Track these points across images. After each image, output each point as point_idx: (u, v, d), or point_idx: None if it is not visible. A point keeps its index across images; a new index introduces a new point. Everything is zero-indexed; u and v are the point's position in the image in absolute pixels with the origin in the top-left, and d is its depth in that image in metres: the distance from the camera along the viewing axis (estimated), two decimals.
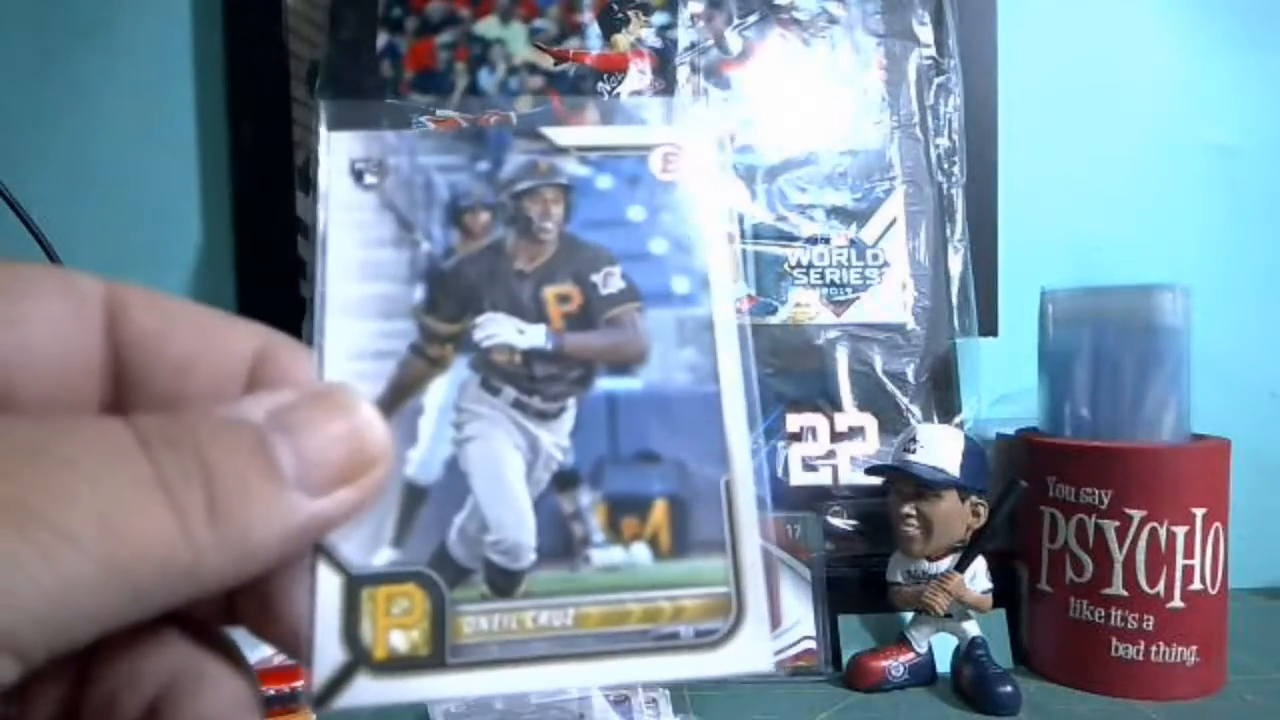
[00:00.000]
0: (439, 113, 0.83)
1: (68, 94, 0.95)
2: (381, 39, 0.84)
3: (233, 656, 0.22)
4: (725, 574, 0.22)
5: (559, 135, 0.26)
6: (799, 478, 0.79)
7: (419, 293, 0.24)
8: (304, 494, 0.20)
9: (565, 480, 0.23)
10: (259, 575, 0.20)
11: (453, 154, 0.25)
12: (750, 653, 0.22)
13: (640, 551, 0.22)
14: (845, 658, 0.72)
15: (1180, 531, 0.67)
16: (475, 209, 0.25)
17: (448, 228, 0.25)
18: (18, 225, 0.74)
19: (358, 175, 0.25)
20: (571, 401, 0.23)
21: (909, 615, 0.72)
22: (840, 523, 0.78)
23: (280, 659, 0.67)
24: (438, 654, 0.21)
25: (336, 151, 0.25)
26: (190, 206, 0.96)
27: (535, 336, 0.24)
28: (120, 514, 0.18)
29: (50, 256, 0.75)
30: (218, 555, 0.19)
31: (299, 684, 0.59)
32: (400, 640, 0.21)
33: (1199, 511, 0.68)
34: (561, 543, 0.22)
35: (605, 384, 0.24)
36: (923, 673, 0.71)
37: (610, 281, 0.24)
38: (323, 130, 0.25)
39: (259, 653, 0.66)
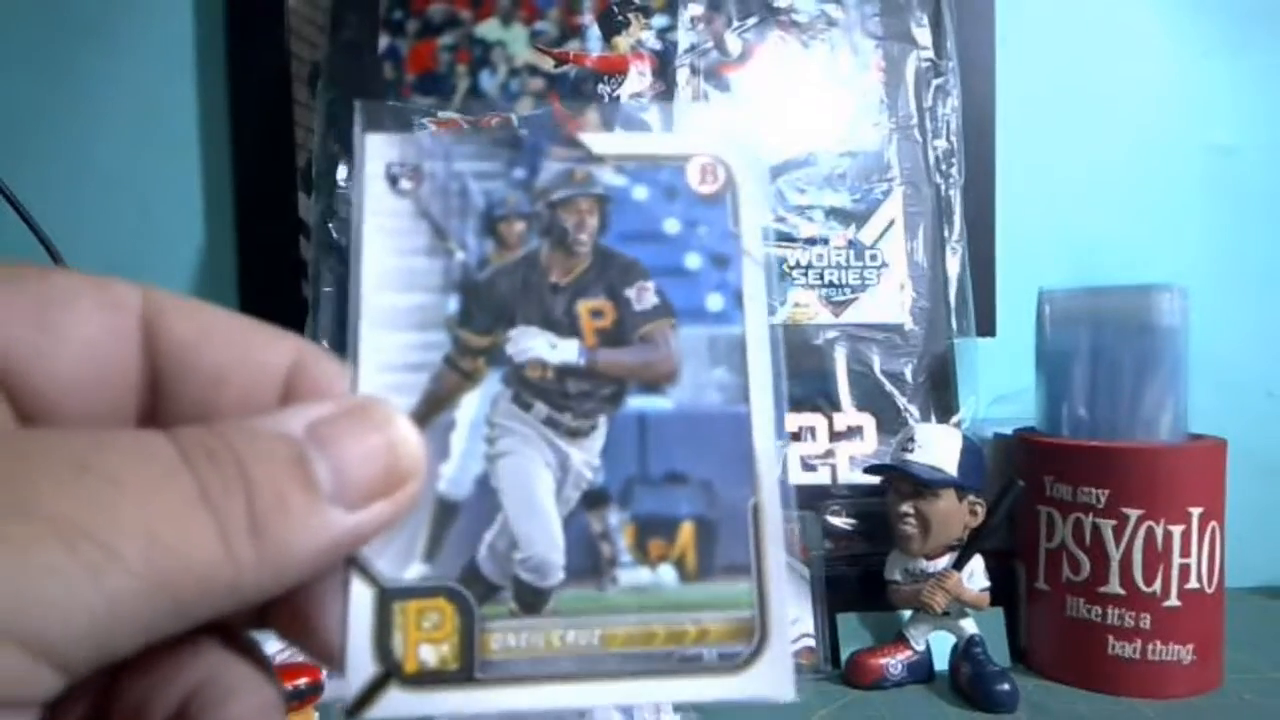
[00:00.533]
0: (440, 114, 0.83)
1: (70, 96, 0.95)
2: (383, 41, 0.85)
3: (259, 663, 0.23)
4: (750, 598, 0.22)
5: (596, 142, 0.25)
6: (798, 477, 0.80)
7: (453, 304, 0.24)
8: (340, 508, 0.20)
9: (594, 499, 0.23)
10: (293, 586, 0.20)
11: (488, 160, 0.25)
12: (771, 678, 0.22)
13: (666, 573, 0.23)
14: (844, 655, 0.72)
15: (1177, 530, 0.68)
16: (510, 218, 0.25)
17: (482, 237, 0.24)
18: (20, 226, 0.75)
19: (393, 180, 0.24)
20: (602, 419, 0.23)
21: (907, 613, 0.73)
22: (839, 521, 0.79)
23: (283, 656, 0.68)
24: (466, 669, 0.22)
25: (372, 155, 0.25)
26: (192, 207, 0.96)
27: (568, 352, 0.24)
28: (165, 530, 0.18)
29: (53, 257, 0.75)
30: (257, 570, 0.19)
31: (301, 681, 0.59)
32: (430, 654, 0.21)
33: (1195, 511, 0.68)
34: (589, 562, 0.23)
35: (636, 402, 0.24)
36: (921, 670, 0.71)
37: (644, 297, 0.24)
38: (357, 132, 0.25)
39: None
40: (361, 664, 0.21)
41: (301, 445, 0.20)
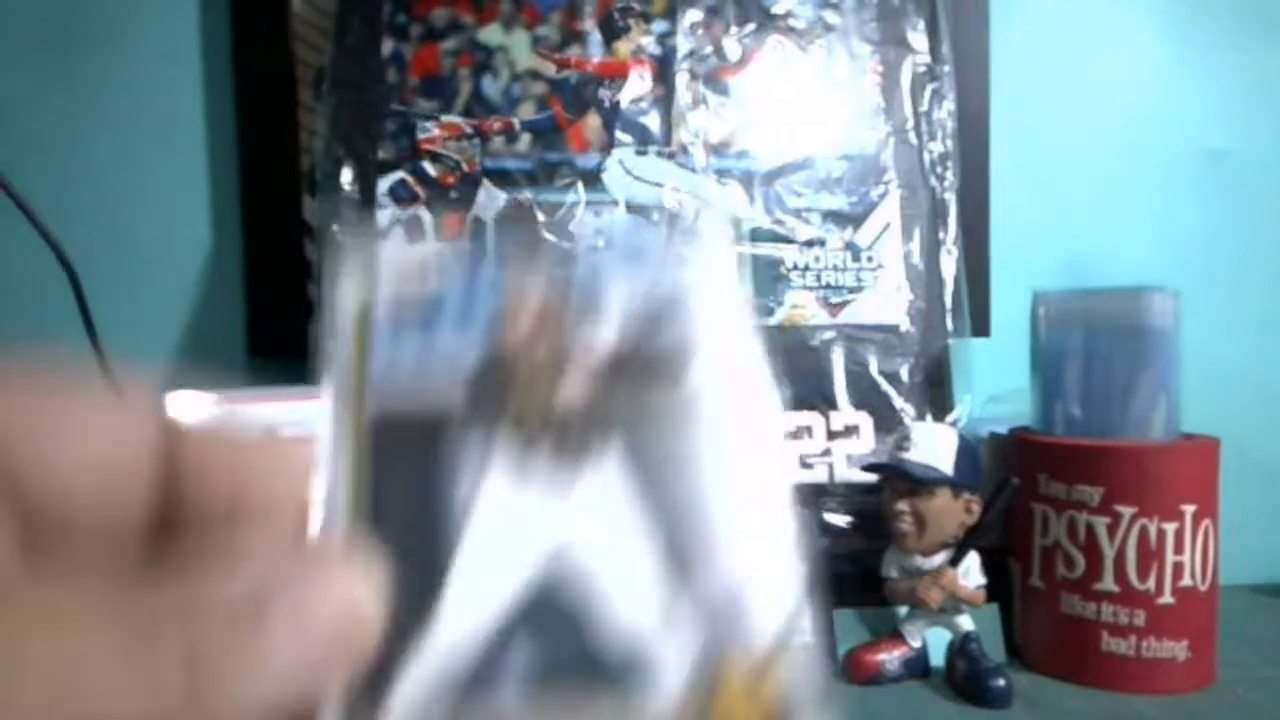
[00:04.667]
0: (443, 119, 0.84)
1: (77, 100, 0.95)
2: (386, 45, 0.86)
3: None
4: None
5: None
6: (796, 475, 0.81)
7: None
8: (293, 668, 0.18)
9: None
10: None
11: None
12: None
13: None
14: (841, 651, 0.73)
15: (1170, 528, 0.68)
16: None
17: None
18: (29, 229, 0.76)
19: None
20: None
21: (904, 610, 0.74)
22: (836, 519, 0.79)
23: None
24: None
25: None
26: (199, 209, 0.96)
27: None
28: (78, 689, 0.16)
29: (61, 260, 0.76)
30: None
31: None
32: None
33: (1188, 509, 0.69)
34: None
35: None
36: (917, 666, 0.72)
37: None
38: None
39: None
40: None
41: (257, 596, 0.18)
